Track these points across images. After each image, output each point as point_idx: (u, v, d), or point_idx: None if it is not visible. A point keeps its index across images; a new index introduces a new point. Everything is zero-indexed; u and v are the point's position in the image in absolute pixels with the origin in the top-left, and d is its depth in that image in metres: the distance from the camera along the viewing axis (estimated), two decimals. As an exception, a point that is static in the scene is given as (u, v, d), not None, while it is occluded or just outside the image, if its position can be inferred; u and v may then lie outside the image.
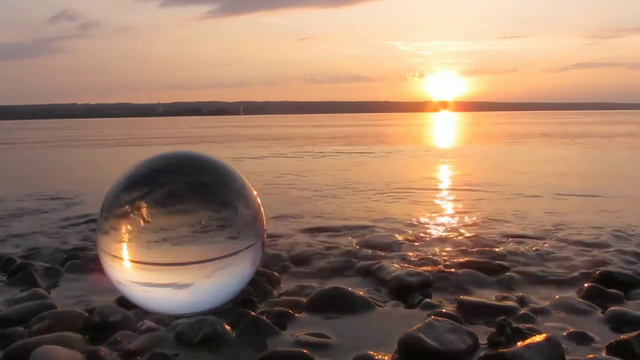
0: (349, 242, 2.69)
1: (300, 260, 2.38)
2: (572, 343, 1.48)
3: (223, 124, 35.53)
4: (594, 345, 1.46)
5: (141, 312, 1.64)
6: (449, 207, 3.82)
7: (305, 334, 1.57)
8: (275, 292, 1.94)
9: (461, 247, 2.57)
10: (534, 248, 2.53)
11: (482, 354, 1.40)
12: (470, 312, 1.69)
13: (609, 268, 2.15)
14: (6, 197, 4.58)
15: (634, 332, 1.44)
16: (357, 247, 2.60)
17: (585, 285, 1.95)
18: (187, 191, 1.54)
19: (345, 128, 23.40)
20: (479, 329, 1.56)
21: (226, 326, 1.54)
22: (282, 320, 1.65)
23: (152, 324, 1.60)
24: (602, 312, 1.70)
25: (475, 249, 2.51)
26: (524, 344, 1.37)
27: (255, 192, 1.67)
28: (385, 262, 2.22)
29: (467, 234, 2.86)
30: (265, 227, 1.69)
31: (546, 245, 2.60)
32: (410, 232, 2.95)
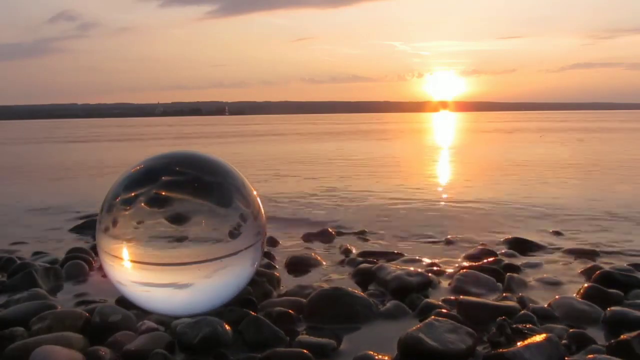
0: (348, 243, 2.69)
1: (298, 260, 2.38)
2: (572, 343, 1.48)
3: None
4: (594, 345, 1.46)
5: (141, 312, 1.64)
6: (449, 206, 3.82)
7: (305, 334, 1.57)
8: (275, 292, 1.93)
9: (461, 248, 2.57)
10: (533, 248, 2.53)
11: (482, 354, 1.41)
12: (470, 312, 1.68)
13: (609, 268, 2.15)
14: (7, 196, 4.57)
15: (634, 332, 1.43)
16: (357, 249, 2.60)
17: (585, 285, 1.94)
18: (187, 191, 1.54)
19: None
20: (479, 329, 1.55)
21: (226, 326, 1.53)
22: (282, 321, 1.65)
23: (152, 324, 1.59)
24: (602, 312, 1.69)
25: (475, 249, 2.51)
26: (524, 344, 1.37)
27: (255, 192, 1.67)
28: (385, 263, 2.21)
29: (468, 234, 2.86)
30: (265, 226, 1.69)
31: (546, 246, 2.61)
32: (410, 232, 2.95)
